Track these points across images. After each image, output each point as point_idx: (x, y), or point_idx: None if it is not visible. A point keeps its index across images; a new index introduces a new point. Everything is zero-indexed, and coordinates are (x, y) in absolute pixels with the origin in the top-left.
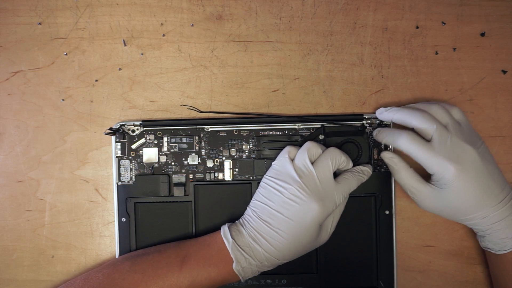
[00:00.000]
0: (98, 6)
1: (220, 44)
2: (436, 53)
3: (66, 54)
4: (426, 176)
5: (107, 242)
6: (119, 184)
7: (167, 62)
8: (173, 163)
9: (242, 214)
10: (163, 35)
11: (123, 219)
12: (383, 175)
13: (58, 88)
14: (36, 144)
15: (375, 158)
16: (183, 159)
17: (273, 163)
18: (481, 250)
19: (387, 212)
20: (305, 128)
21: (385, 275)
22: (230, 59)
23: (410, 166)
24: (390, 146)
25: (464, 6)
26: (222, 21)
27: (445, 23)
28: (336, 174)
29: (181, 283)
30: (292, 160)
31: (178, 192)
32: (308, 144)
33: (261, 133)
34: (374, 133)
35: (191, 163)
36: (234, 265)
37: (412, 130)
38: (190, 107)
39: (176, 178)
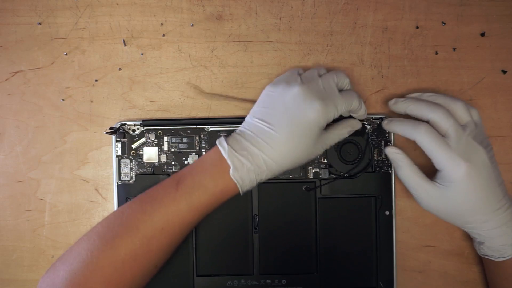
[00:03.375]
0: (98, 6)
1: (220, 44)
2: (436, 53)
3: (66, 54)
4: (429, 175)
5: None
6: (119, 183)
7: (167, 62)
8: (173, 163)
9: (242, 214)
10: (163, 35)
11: None
12: (383, 175)
13: (58, 88)
14: (36, 144)
15: (375, 158)
16: (184, 158)
17: (276, 78)
18: (483, 264)
19: (387, 212)
20: None
21: (385, 276)
22: (230, 59)
23: (414, 163)
24: (392, 143)
25: (464, 6)
26: (222, 21)
27: (445, 23)
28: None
29: (178, 203)
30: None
31: None
32: (317, 66)
33: None
34: (385, 122)
35: (191, 162)
36: (231, 171)
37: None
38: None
39: None
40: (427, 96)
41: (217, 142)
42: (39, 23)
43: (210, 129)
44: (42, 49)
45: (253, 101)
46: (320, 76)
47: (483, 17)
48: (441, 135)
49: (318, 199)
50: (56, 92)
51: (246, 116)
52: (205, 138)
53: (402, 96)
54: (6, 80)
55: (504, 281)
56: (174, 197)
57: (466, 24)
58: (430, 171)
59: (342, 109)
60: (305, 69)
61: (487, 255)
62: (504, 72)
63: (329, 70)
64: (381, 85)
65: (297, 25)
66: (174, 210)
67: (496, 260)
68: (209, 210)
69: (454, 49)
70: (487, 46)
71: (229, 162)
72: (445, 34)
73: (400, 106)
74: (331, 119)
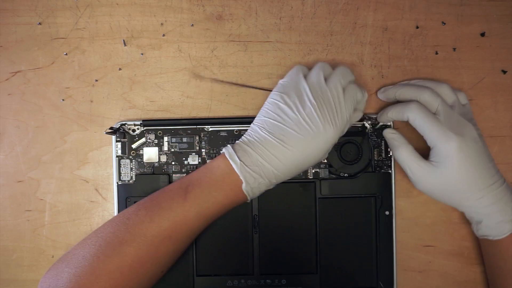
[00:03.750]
0: (98, 6)
1: (220, 44)
2: (436, 53)
3: (66, 54)
4: (425, 156)
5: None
6: (119, 183)
7: (167, 62)
8: (173, 163)
9: (242, 214)
10: (163, 35)
11: None
12: (383, 176)
13: (58, 88)
14: (36, 144)
15: (375, 158)
16: (184, 158)
17: (281, 80)
18: (481, 250)
19: (387, 212)
20: None
21: (385, 276)
22: (230, 59)
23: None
24: (392, 124)
25: (464, 6)
26: (222, 21)
27: (445, 23)
28: None
29: (187, 212)
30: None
31: None
32: (322, 64)
33: None
34: (379, 115)
35: (191, 162)
36: (243, 186)
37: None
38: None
39: (176, 177)
40: (414, 82)
41: (226, 154)
42: (39, 23)
43: (210, 129)
44: (42, 49)
45: (253, 88)
46: (326, 80)
47: (483, 17)
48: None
49: (318, 199)
50: (56, 92)
51: (246, 116)
52: (205, 138)
53: None
54: (6, 80)
55: (502, 262)
56: (182, 206)
57: (466, 24)
58: (426, 152)
59: (350, 112)
60: (310, 67)
61: (485, 235)
62: (504, 72)
63: (332, 65)
64: (381, 85)
65: (297, 25)
66: (182, 219)
67: (494, 239)
68: (217, 217)
69: (454, 49)
70: (487, 46)
71: (241, 177)
72: (445, 34)
73: (390, 92)
74: (344, 133)
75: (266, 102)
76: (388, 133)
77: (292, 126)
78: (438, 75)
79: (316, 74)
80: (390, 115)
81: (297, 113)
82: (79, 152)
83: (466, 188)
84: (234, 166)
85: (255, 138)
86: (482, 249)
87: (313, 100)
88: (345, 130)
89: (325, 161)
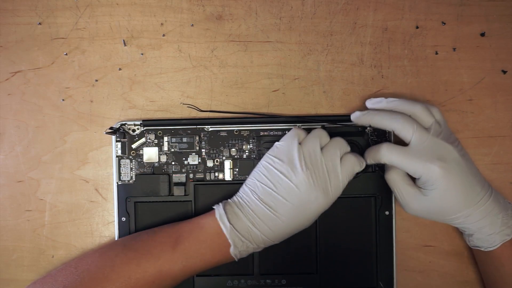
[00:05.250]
0: (98, 6)
1: (220, 44)
2: (436, 53)
3: (66, 54)
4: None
5: (107, 242)
6: (119, 183)
7: (167, 62)
8: (173, 163)
9: None
10: (163, 35)
11: (123, 219)
12: (383, 176)
13: (58, 88)
14: (36, 144)
15: None
16: (184, 158)
17: (277, 143)
18: (474, 257)
19: (387, 212)
20: (305, 128)
21: (385, 276)
22: (230, 59)
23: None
24: (392, 141)
25: (464, 6)
26: (222, 21)
27: (445, 23)
28: None
29: (174, 263)
30: (299, 143)
31: (178, 191)
32: (319, 132)
33: (262, 133)
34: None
35: (191, 162)
36: (231, 250)
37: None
38: (190, 106)
39: (176, 177)
40: (388, 101)
41: (217, 215)
42: (39, 23)
43: (210, 129)
44: (42, 49)
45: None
46: (322, 149)
47: (483, 17)
48: (407, 143)
49: None
50: (56, 92)
51: (246, 116)
52: (205, 138)
53: (398, 96)
54: (6, 80)
55: (495, 270)
56: (170, 257)
57: (466, 24)
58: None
59: (345, 183)
60: (304, 130)
61: (477, 246)
62: (504, 72)
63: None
64: (381, 85)
65: (297, 25)
66: (168, 269)
67: (486, 250)
68: (201, 271)
69: (454, 49)
70: (487, 46)
71: (230, 241)
72: (445, 34)
73: (363, 119)
74: (334, 200)
75: (259, 164)
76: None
77: (283, 194)
78: (438, 75)
79: (312, 141)
80: (369, 161)
81: (288, 180)
82: (79, 152)
83: (454, 209)
84: (223, 229)
85: (246, 202)
86: (476, 257)
87: (305, 168)
88: (340, 191)
89: None
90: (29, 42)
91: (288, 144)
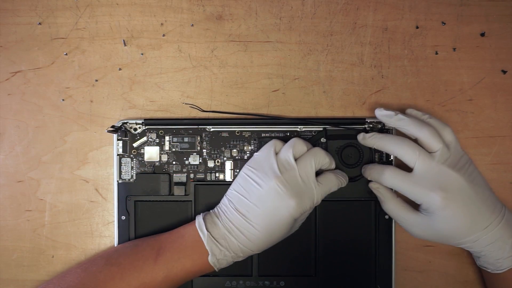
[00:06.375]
0: (98, 6)
1: (220, 44)
2: (436, 53)
3: (66, 54)
4: (415, 204)
5: (107, 242)
6: (120, 182)
7: (167, 62)
8: (174, 162)
9: None
10: (163, 35)
11: (123, 217)
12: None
13: (58, 88)
14: (36, 144)
15: (376, 162)
16: (184, 158)
17: (255, 153)
18: (481, 274)
19: (386, 217)
20: (307, 130)
21: (384, 279)
22: (230, 59)
23: (397, 195)
24: (393, 163)
25: (464, 6)
26: (222, 21)
27: (445, 23)
28: (318, 173)
29: (156, 274)
30: (277, 154)
31: (178, 191)
32: (294, 141)
33: (263, 135)
34: (363, 169)
35: (192, 162)
36: (209, 258)
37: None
38: (192, 106)
39: (177, 177)
40: (397, 119)
41: (196, 223)
42: (39, 23)
43: (212, 129)
44: (42, 49)
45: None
46: (296, 159)
47: (483, 17)
48: (411, 168)
49: None
50: (56, 92)
51: (248, 117)
52: (207, 139)
53: (399, 96)
54: (6, 80)
55: None
56: (152, 268)
57: (466, 24)
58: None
59: (319, 199)
60: (282, 141)
61: (484, 267)
62: (504, 72)
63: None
64: (381, 85)
65: (297, 25)
66: (151, 281)
67: (493, 272)
68: (184, 282)
69: (454, 49)
70: (487, 46)
71: (207, 248)
72: (445, 34)
73: (368, 141)
74: (307, 211)
75: (238, 175)
76: (373, 188)
77: (254, 201)
78: (438, 75)
79: (286, 150)
80: (371, 177)
81: (259, 187)
82: (79, 152)
83: (460, 234)
84: (202, 236)
85: (224, 211)
86: (484, 275)
87: (276, 176)
88: (313, 205)
89: None
90: (29, 42)
91: (265, 154)
